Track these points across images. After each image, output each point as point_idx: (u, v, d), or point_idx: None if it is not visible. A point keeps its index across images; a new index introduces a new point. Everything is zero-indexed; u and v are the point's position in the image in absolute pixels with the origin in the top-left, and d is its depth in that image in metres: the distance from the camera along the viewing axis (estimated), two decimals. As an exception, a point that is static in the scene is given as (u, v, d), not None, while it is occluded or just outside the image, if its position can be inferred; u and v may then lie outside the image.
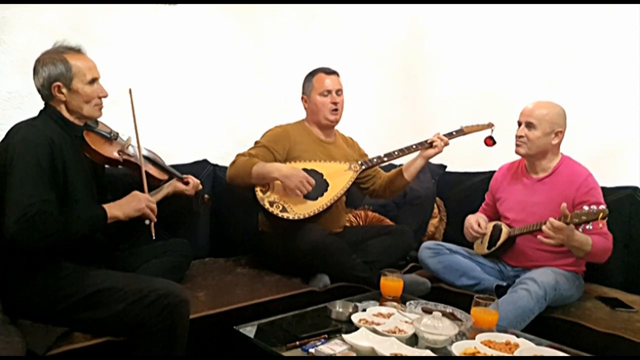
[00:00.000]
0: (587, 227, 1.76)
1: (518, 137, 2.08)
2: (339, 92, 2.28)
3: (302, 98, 2.33)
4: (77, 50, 1.65)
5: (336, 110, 2.27)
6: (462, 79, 3.16)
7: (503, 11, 2.92)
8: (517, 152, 2.12)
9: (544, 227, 1.82)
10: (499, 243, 2.12)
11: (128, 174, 1.92)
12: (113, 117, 1.82)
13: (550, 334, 1.65)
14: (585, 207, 1.76)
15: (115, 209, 1.60)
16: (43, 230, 1.42)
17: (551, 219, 1.80)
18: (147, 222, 1.70)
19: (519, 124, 2.10)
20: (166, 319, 1.43)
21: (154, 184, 1.92)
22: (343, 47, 3.07)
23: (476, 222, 2.17)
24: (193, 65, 2.52)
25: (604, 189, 2.12)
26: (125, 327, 1.45)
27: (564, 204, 1.81)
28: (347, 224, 2.53)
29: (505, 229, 2.12)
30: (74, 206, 1.55)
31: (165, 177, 1.98)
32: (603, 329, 1.72)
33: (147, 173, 1.82)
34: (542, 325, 1.80)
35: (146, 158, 1.89)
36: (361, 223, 2.66)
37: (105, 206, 1.59)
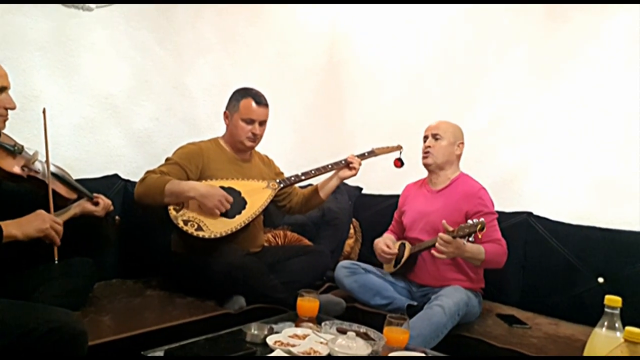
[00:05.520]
0: (470, 239, 1.91)
1: (425, 149, 2.26)
2: (262, 123, 2.24)
3: (225, 113, 2.28)
4: None
5: (254, 139, 2.24)
6: (376, 105, 3.30)
7: (418, 41, 3.11)
8: (425, 164, 2.29)
9: (437, 244, 1.95)
10: (402, 260, 2.22)
11: (33, 191, 1.76)
12: (17, 128, 1.68)
13: (456, 350, 1.74)
14: (469, 221, 1.91)
15: (14, 228, 1.45)
16: None
17: (440, 234, 1.94)
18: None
19: (425, 138, 2.29)
20: (59, 354, 1.30)
21: (61, 204, 1.78)
22: (263, 66, 3.08)
23: (385, 244, 2.27)
24: (104, 75, 2.39)
25: (502, 213, 2.30)
26: None
27: (444, 221, 1.97)
28: (266, 244, 2.51)
29: (408, 246, 2.23)
30: None
31: (74, 196, 1.85)
32: (502, 345, 1.84)
33: (54, 191, 1.69)
34: (449, 342, 1.89)
35: (54, 175, 1.75)
36: (280, 243, 2.66)
37: (2, 224, 1.44)
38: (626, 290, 1.97)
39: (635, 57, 2.32)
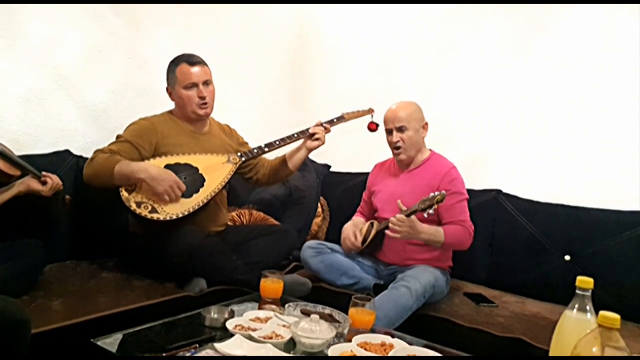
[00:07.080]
0: (430, 212, 1.85)
1: (394, 144, 2.12)
2: (207, 83, 2.09)
3: (167, 90, 2.14)
4: None
5: (205, 104, 2.09)
6: (345, 80, 3.20)
7: (388, 16, 3.02)
8: (399, 160, 2.17)
9: (390, 224, 1.90)
10: (369, 239, 2.16)
11: None
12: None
13: (422, 330, 1.70)
14: (431, 194, 1.86)
15: None
16: None
17: (395, 216, 1.89)
18: None
19: (389, 132, 2.13)
20: None
21: (3, 181, 1.67)
22: (226, 38, 2.93)
23: (354, 234, 2.19)
24: (53, 44, 2.21)
25: (472, 191, 2.26)
26: None
27: (399, 201, 1.92)
28: (231, 223, 2.42)
29: (376, 225, 2.18)
30: None
31: (17, 173, 1.73)
32: (469, 325, 1.83)
33: None
34: (416, 322, 1.85)
35: None
36: (245, 222, 2.57)
37: None
38: (591, 268, 2.00)
39: (605, 34, 2.31)
